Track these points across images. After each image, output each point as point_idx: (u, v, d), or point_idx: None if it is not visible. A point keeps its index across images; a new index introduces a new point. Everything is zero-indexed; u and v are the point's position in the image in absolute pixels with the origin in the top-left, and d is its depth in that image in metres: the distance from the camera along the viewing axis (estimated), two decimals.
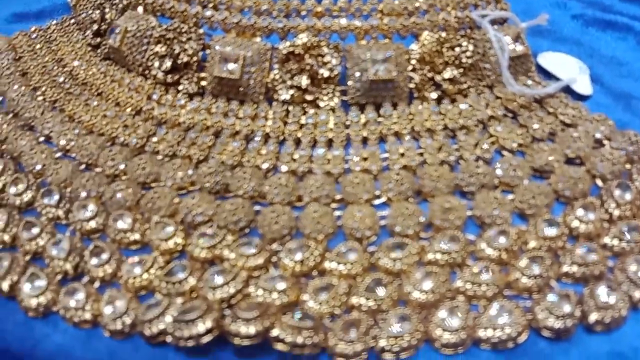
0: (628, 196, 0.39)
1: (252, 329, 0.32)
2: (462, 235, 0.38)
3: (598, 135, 0.44)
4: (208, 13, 0.47)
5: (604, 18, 0.55)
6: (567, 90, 0.48)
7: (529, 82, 0.48)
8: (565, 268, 0.36)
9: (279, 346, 0.33)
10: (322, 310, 0.35)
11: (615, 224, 0.38)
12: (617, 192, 0.39)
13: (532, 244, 0.38)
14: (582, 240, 0.38)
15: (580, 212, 0.39)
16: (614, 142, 0.43)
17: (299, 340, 0.32)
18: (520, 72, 0.48)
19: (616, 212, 0.39)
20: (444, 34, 0.47)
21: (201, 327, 0.33)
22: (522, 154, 0.44)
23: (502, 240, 0.37)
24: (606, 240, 0.38)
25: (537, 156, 0.42)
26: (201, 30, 0.47)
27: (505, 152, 0.44)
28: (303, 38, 0.46)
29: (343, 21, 0.46)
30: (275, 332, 0.33)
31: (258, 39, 0.47)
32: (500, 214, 0.39)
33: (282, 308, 0.35)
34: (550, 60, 0.51)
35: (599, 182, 0.41)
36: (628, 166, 0.42)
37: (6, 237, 0.40)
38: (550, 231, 0.38)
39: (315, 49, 0.46)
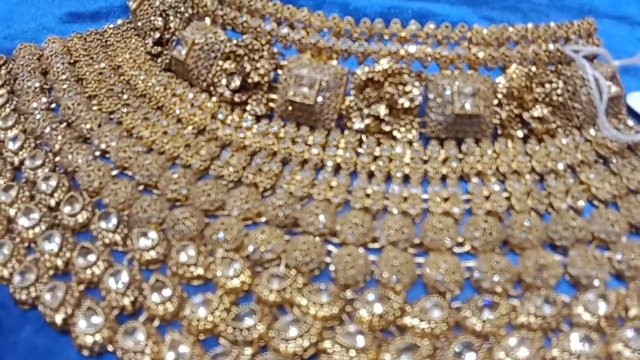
0: None
1: None
2: (557, 297, 0.34)
3: None
4: (284, 31, 0.44)
5: None
6: None
7: (621, 126, 0.45)
8: None
9: None
10: None
11: None
12: None
13: (634, 311, 0.34)
14: None
15: None
16: None
17: None
18: (611, 114, 0.45)
19: None
20: (533, 68, 0.43)
21: None
22: (616, 206, 0.40)
23: (601, 305, 0.34)
24: None
25: (635, 211, 0.39)
26: (275, 49, 0.44)
27: (597, 203, 0.40)
28: (384, 64, 0.42)
29: (428, 49, 0.43)
30: None
31: (334, 62, 0.44)
32: (598, 275, 0.36)
33: None
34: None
35: None
36: None
37: (59, 262, 0.37)
38: None
39: (396, 77, 0.43)
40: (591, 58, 0.46)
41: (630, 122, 0.45)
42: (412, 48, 0.43)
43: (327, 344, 0.32)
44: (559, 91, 0.43)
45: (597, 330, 0.34)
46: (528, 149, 0.43)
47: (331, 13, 0.57)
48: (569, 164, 0.42)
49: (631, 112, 0.47)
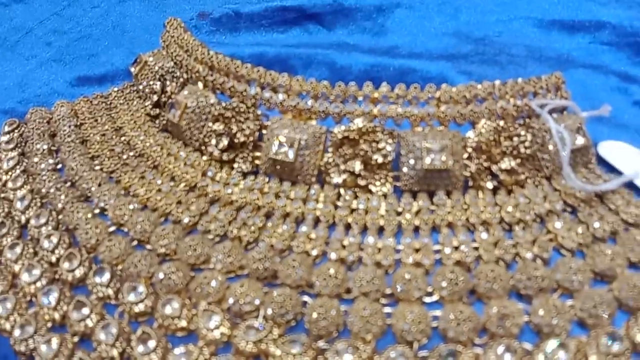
0: None
1: None
2: (518, 346, 0.36)
3: None
4: (267, 95, 0.47)
5: None
6: (629, 184, 0.46)
7: (590, 175, 0.47)
8: None
9: None
10: None
11: None
12: None
13: (593, 359, 0.36)
14: None
15: None
16: None
17: None
18: (580, 164, 0.47)
19: None
20: (501, 123, 0.46)
21: None
22: (582, 254, 0.42)
23: (560, 353, 0.35)
24: None
25: (598, 259, 0.41)
26: (259, 111, 0.48)
27: (564, 252, 0.42)
28: (358, 123, 0.45)
29: (399, 108, 0.46)
30: None
31: (314, 122, 0.47)
32: (560, 323, 0.37)
33: None
34: (611, 150, 0.49)
35: None
36: None
37: (56, 315, 0.41)
38: (614, 347, 0.36)
39: (370, 135, 0.46)
40: (560, 110, 0.48)
41: (599, 172, 0.47)
42: (384, 108, 0.46)
43: None
44: (527, 144, 0.45)
45: None
46: (498, 200, 0.45)
47: (319, 71, 0.62)
48: (537, 214, 0.44)
49: (603, 161, 0.49)
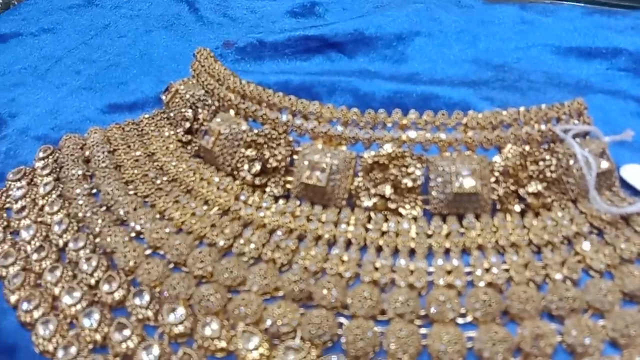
0: None
1: None
2: None
3: None
4: (298, 122, 0.49)
5: None
6: None
7: (614, 198, 0.48)
8: None
9: None
10: None
11: None
12: None
13: None
14: None
15: None
16: None
17: None
18: (604, 187, 0.48)
19: None
20: (527, 147, 0.47)
21: None
22: (610, 275, 0.43)
23: None
24: None
25: (627, 280, 0.42)
26: (290, 138, 0.49)
27: (592, 273, 0.43)
28: (388, 148, 0.47)
29: (428, 134, 0.47)
30: None
31: (344, 147, 0.48)
32: (593, 343, 0.38)
33: None
34: (633, 173, 0.50)
35: None
36: None
37: (98, 337, 0.42)
38: None
39: (399, 160, 0.47)
40: (583, 135, 0.49)
41: (623, 194, 0.48)
42: (412, 134, 0.47)
43: None
44: (552, 167, 0.47)
45: None
46: (525, 223, 0.46)
47: (343, 98, 0.63)
48: (565, 236, 0.45)
49: (625, 183, 0.50)
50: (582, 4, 0.76)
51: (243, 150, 0.51)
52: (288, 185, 0.50)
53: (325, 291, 0.42)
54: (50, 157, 0.58)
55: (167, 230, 0.48)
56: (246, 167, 0.50)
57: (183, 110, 0.57)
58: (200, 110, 0.56)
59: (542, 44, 0.68)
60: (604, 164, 0.47)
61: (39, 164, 0.57)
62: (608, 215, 0.46)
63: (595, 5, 0.78)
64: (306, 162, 0.48)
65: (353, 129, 0.48)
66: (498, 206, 0.47)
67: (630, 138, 0.49)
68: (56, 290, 0.45)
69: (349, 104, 0.48)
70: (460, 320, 0.41)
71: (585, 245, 0.44)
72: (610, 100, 0.59)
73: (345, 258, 0.45)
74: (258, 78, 0.66)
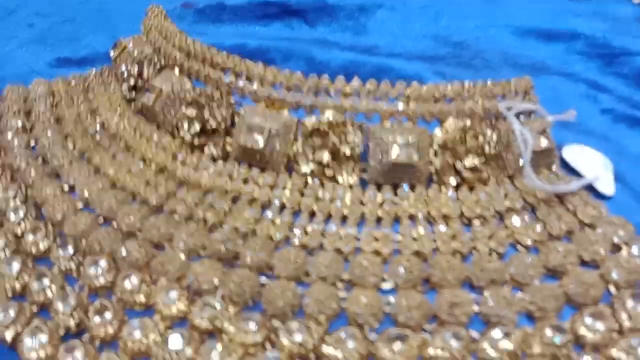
0: None
1: None
2: (465, 333, 0.37)
3: (616, 240, 0.43)
4: (241, 83, 0.48)
5: (634, 115, 0.55)
6: (588, 187, 0.48)
7: (551, 176, 0.48)
8: None
9: None
10: None
11: (625, 336, 0.37)
12: (630, 303, 0.38)
13: (536, 349, 0.37)
14: (588, 350, 0.37)
15: (589, 320, 0.38)
16: (633, 249, 0.42)
17: None
18: (543, 166, 0.48)
19: (627, 324, 0.38)
20: (468, 122, 0.47)
21: None
22: (537, 251, 0.43)
23: (504, 342, 0.36)
24: (613, 352, 0.37)
25: (551, 256, 0.42)
26: (232, 99, 0.49)
27: (520, 248, 0.43)
28: (329, 115, 0.46)
29: (369, 103, 0.47)
30: None
31: (285, 112, 0.48)
32: (508, 314, 0.38)
33: None
34: (574, 154, 0.50)
35: (612, 289, 0.40)
36: None
37: (17, 285, 0.41)
38: (556, 338, 0.37)
39: (339, 127, 0.46)
40: (528, 114, 0.49)
41: (561, 174, 0.48)
42: (354, 102, 0.47)
43: None
44: (492, 143, 0.46)
45: None
46: (460, 196, 0.46)
47: (297, 65, 0.63)
48: (497, 211, 0.45)
49: (567, 164, 0.50)
50: None
51: (184, 109, 0.50)
52: (227, 147, 0.49)
53: (251, 252, 0.42)
54: None
55: (100, 185, 0.48)
56: (186, 126, 0.50)
57: (129, 67, 0.56)
58: (145, 67, 0.55)
59: (503, 24, 0.68)
60: (544, 142, 0.47)
61: None
62: (542, 192, 0.46)
63: None
64: (245, 125, 0.47)
65: (296, 93, 0.47)
66: (435, 179, 0.47)
67: (573, 118, 0.49)
68: None
69: (302, 71, 0.47)
70: (382, 286, 0.41)
71: (515, 220, 0.44)
72: (563, 82, 0.60)
73: (277, 221, 0.45)
74: (214, 40, 0.64)
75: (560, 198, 0.46)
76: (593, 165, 0.50)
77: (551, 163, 0.49)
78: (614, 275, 0.40)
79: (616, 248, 0.43)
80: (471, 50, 0.64)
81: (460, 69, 0.61)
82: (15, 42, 0.67)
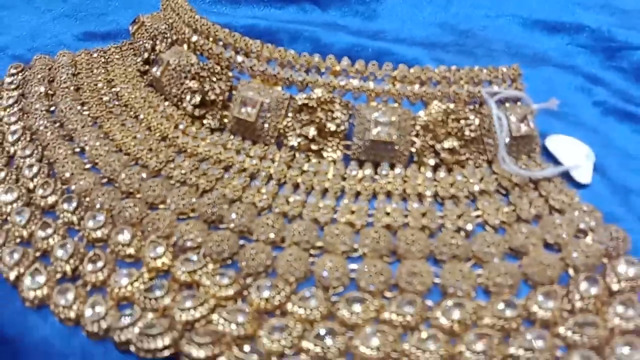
0: (594, 290, 0.40)
1: (202, 353, 0.36)
2: (420, 300, 0.40)
3: (582, 226, 0.44)
4: (239, 59, 0.51)
5: (625, 109, 0.55)
6: (568, 175, 0.49)
7: (530, 163, 0.49)
8: (512, 350, 0.37)
9: None
10: (273, 348, 0.38)
11: (575, 316, 0.39)
12: (583, 285, 0.40)
13: (486, 320, 0.39)
14: (538, 326, 0.39)
15: (540, 298, 0.40)
16: (596, 235, 0.44)
17: None
18: (523, 152, 0.50)
19: (579, 304, 0.40)
20: (452, 106, 0.49)
21: (160, 343, 0.37)
22: (504, 232, 0.45)
23: (456, 312, 0.39)
24: (561, 330, 0.38)
25: (514, 236, 0.44)
26: (231, 73, 0.52)
27: (488, 228, 0.45)
28: (318, 93, 0.49)
29: (356, 82, 0.49)
30: (222, 359, 0.36)
31: (279, 88, 0.51)
32: (463, 287, 0.41)
33: (238, 339, 0.38)
34: (557, 143, 0.52)
35: (572, 272, 0.42)
36: (606, 260, 0.43)
37: (25, 233, 0.46)
38: (507, 312, 0.39)
39: (327, 104, 0.49)
40: (515, 101, 0.51)
41: (540, 161, 0.50)
42: (343, 81, 0.49)
43: (214, 317, 0.39)
44: (472, 127, 0.49)
45: (450, 333, 0.39)
46: (436, 176, 0.48)
47: (303, 46, 0.65)
48: (470, 192, 0.47)
49: (550, 154, 0.52)
50: None
51: (187, 81, 0.54)
52: (225, 119, 0.52)
53: (234, 215, 0.45)
54: (20, 74, 0.62)
55: (107, 148, 0.52)
56: (188, 97, 0.53)
57: (144, 41, 0.60)
58: (159, 42, 0.59)
59: (512, 14, 0.69)
60: (523, 128, 0.49)
61: (7, 80, 0.61)
62: (518, 178, 0.48)
63: None
64: (240, 98, 0.50)
65: (289, 70, 0.50)
66: (415, 159, 0.49)
67: (555, 107, 0.50)
68: None
69: (307, 51, 0.50)
70: (352, 255, 0.44)
71: (486, 202, 0.46)
72: (560, 73, 0.60)
73: (263, 190, 0.48)
74: (228, 20, 0.69)
75: (535, 184, 0.48)
76: (574, 154, 0.51)
77: (532, 150, 0.50)
78: (573, 258, 0.42)
79: (583, 233, 0.44)
80: (476, 39, 0.66)
81: (461, 56, 0.62)
82: (49, 16, 0.73)
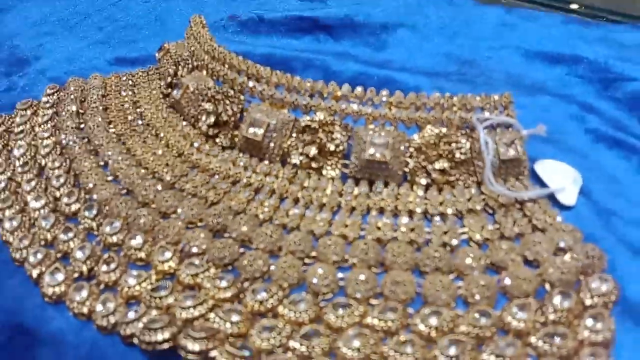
0: (567, 304, 0.42)
1: (196, 347, 0.40)
2: (401, 307, 0.43)
3: (562, 244, 0.47)
4: (251, 84, 0.56)
5: (615, 136, 0.58)
6: (554, 197, 0.52)
7: (517, 185, 0.52)
8: (484, 356, 0.40)
9: None
10: (262, 346, 0.41)
11: (547, 327, 0.41)
12: (557, 299, 0.43)
13: (462, 328, 0.42)
14: (511, 336, 0.41)
15: (515, 309, 0.42)
16: (574, 253, 0.46)
17: None
18: (511, 174, 0.53)
19: (552, 317, 0.42)
20: (444, 130, 0.52)
21: (159, 336, 0.40)
22: (487, 248, 0.48)
23: (433, 319, 0.42)
24: (532, 339, 0.41)
25: (495, 252, 0.47)
26: (243, 97, 0.57)
27: (472, 243, 0.48)
28: (320, 115, 0.53)
29: (355, 106, 0.53)
30: (213, 354, 0.40)
31: (285, 111, 0.55)
32: (443, 297, 0.44)
33: (231, 336, 0.42)
34: (546, 168, 0.54)
35: (548, 287, 0.44)
36: (582, 277, 0.45)
37: (49, 236, 0.51)
38: (482, 321, 0.42)
39: (328, 126, 0.53)
40: (506, 127, 0.54)
41: (527, 183, 0.52)
42: (343, 105, 0.53)
43: (211, 315, 0.43)
44: (463, 150, 0.52)
45: (427, 339, 0.41)
46: (427, 195, 0.52)
47: (315, 73, 0.70)
48: (458, 210, 0.50)
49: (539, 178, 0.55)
50: (565, 14, 0.79)
51: (203, 104, 0.58)
52: (235, 139, 0.57)
53: (237, 226, 0.49)
54: (55, 94, 0.68)
55: (128, 162, 0.57)
56: (204, 118, 0.58)
57: (168, 66, 0.66)
58: (181, 68, 0.64)
59: (515, 46, 0.72)
60: (511, 152, 0.52)
61: (44, 99, 0.67)
62: (504, 198, 0.51)
63: (589, 16, 0.81)
64: (249, 119, 0.55)
65: (294, 95, 0.55)
66: (408, 178, 0.53)
67: (543, 133, 0.53)
68: (28, 198, 0.55)
69: (318, 78, 0.54)
70: (343, 265, 0.47)
71: (472, 220, 0.49)
72: (556, 102, 0.63)
73: (265, 204, 0.52)
74: (248, 49, 0.74)
75: (521, 204, 0.51)
76: (561, 178, 0.53)
77: (520, 173, 0.53)
78: (550, 274, 0.45)
79: (562, 252, 0.47)
80: (478, 69, 0.69)
81: (461, 85, 0.66)
82: (85, 42, 0.79)
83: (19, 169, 0.58)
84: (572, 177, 0.54)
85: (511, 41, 0.73)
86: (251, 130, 0.55)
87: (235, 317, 0.42)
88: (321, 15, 0.77)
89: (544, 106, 0.63)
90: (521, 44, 0.72)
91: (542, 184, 0.54)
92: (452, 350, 0.40)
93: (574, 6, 0.83)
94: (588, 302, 0.43)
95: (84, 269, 0.47)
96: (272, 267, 0.46)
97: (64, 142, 0.61)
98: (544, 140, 0.58)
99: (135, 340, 0.42)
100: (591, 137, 0.59)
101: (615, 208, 0.51)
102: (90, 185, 0.55)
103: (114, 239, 0.50)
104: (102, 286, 0.47)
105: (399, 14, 0.77)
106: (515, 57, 0.71)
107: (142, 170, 0.56)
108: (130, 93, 0.67)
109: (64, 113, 0.65)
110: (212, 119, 0.58)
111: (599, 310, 0.42)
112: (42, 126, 0.63)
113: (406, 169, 0.53)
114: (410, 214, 0.50)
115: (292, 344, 0.41)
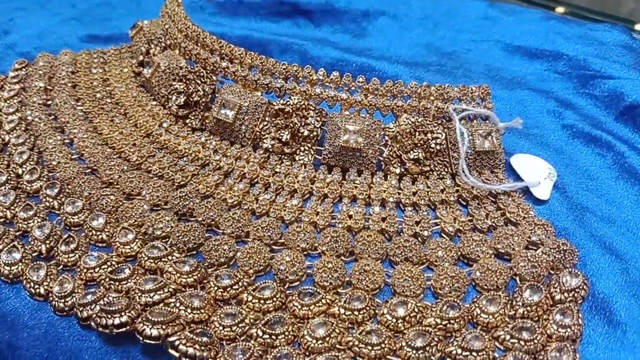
0: (536, 298, 0.42)
1: (154, 332, 0.38)
2: (368, 297, 0.42)
3: (534, 238, 0.46)
4: (224, 64, 0.55)
5: (591, 132, 0.57)
6: (528, 191, 0.51)
7: (492, 177, 0.51)
8: (451, 348, 0.39)
9: (173, 352, 0.38)
10: (224, 333, 0.40)
11: (515, 321, 0.41)
12: (526, 293, 0.42)
13: (429, 320, 0.41)
14: (479, 329, 0.41)
15: (483, 302, 0.42)
16: (545, 247, 0.45)
17: (191, 351, 0.38)
18: (486, 167, 0.52)
19: (521, 311, 0.41)
20: (420, 119, 0.51)
21: (117, 320, 0.39)
22: (458, 239, 0.47)
23: (400, 310, 0.41)
24: (500, 333, 0.40)
25: (466, 244, 0.46)
26: (215, 77, 0.55)
27: (444, 235, 0.47)
28: (294, 100, 0.52)
29: (331, 92, 0.52)
30: (172, 339, 0.38)
31: (258, 93, 0.54)
32: (411, 287, 0.43)
33: (192, 323, 0.40)
34: (521, 162, 0.54)
35: (518, 281, 0.44)
36: (552, 271, 0.44)
37: (8, 214, 0.49)
38: (450, 313, 0.41)
39: (302, 111, 0.52)
40: (484, 118, 0.53)
41: (502, 176, 0.52)
42: (317, 90, 0.52)
43: (171, 300, 0.41)
44: (438, 140, 0.51)
45: (395, 330, 0.40)
46: (401, 185, 0.51)
47: (292, 58, 0.68)
48: (432, 201, 0.50)
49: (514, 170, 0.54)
50: (544, 10, 0.79)
51: (174, 83, 0.57)
52: (206, 120, 0.55)
53: (204, 209, 0.48)
54: (23, 69, 0.65)
55: (94, 141, 0.55)
56: (174, 98, 0.56)
57: (140, 45, 0.64)
58: (153, 46, 0.62)
59: (495, 39, 0.71)
60: (487, 144, 0.51)
61: (11, 74, 0.64)
62: (478, 191, 0.50)
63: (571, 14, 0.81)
64: (221, 100, 0.53)
65: (268, 77, 0.53)
66: (382, 166, 0.52)
67: (520, 126, 0.52)
68: None
69: (295, 63, 0.53)
70: (312, 253, 0.46)
71: (445, 212, 0.49)
72: (535, 97, 0.63)
73: (235, 188, 0.51)
74: (224, 30, 0.72)
75: (495, 197, 0.50)
76: (536, 172, 0.53)
77: (496, 166, 0.52)
78: (520, 268, 0.44)
79: (534, 246, 0.46)
80: (457, 61, 0.68)
81: (439, 75, 0.65)
82: (58, 19, 0.77)
83: None
84: (546, 172, 0.53)
85: (492, 35, 0.72)
86: (222, 111, 0.53)
87: (196, 303, 0.41)
88: (301, 0, 0.76)
89: (522, 100, 0.62)
90: (502, 38, 0.72)
91: (517, 178, 0.53)
92: (419, 342, 0.39)
93: (560, 10, 0.83)
94: (557, 296, 0.42)
95: (43, 248, 0.46)
96: (239, 254, 0.45)
97: (29, 118, 0.58)
98: (520, 134, 0.58)
99: (92, 323, 0.40)
100: (567, 133, 0.58)
101: (589, 204, 0.51)
102: (54, 163, 0.53)
103: (75, 218, 0.48)
104: (61, 267, 0.45)
105: (381, 2, 0.76)
106: (495, 51, 0.70)
107: (108, 150, 0.54)
108: (100, 70, 0.65)
109: (30, 89, 0.62)
110: (182, 99, 0.56)
111: (567, 305, 0.41)
112: (8, 101, 0.61)
113: (380, 158, 0.51)
114: (383, 203, 0.49)
115: (254, 331, 0.40)
